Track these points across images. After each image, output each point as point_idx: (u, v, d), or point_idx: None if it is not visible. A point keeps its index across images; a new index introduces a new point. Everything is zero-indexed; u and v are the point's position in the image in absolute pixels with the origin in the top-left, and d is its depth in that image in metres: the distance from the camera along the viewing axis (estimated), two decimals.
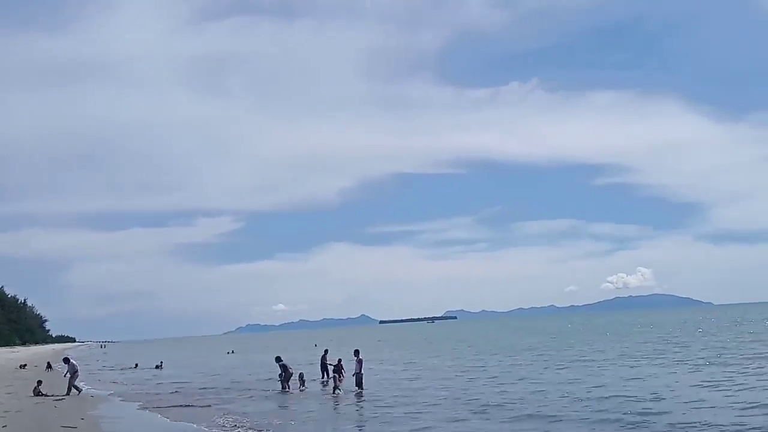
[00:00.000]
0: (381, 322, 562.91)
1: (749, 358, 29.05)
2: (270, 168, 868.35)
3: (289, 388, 26.03)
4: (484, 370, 31.49)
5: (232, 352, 78.55)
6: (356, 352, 25.17)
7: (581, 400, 19.00)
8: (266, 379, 30.64)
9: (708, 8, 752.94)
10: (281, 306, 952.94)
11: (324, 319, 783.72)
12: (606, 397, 19.22)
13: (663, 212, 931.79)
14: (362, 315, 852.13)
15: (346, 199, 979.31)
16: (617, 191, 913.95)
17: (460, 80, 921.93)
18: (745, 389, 19.57)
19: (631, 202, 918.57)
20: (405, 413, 18.44)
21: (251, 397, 24.96)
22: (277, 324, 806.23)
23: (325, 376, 27.61)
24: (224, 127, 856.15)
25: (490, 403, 19.42)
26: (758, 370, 24.55)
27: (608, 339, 55.24)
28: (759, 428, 13.37)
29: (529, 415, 16.87)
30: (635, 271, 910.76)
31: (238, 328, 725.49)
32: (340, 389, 24.45)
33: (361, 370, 24.63)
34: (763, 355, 30.06)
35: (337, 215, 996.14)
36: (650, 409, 16.66)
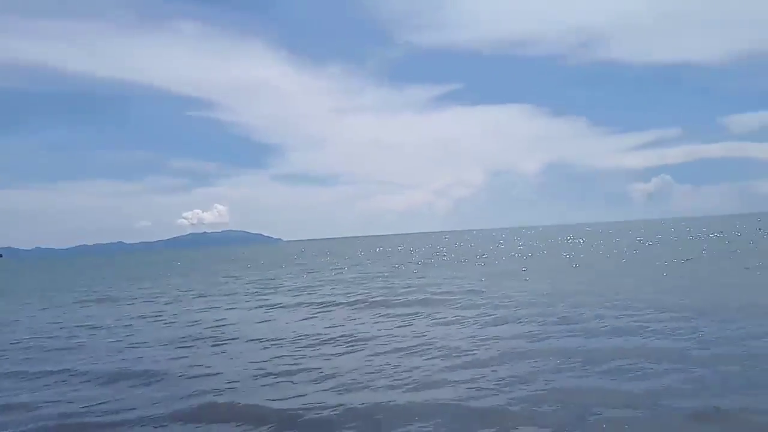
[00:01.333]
0: None
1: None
2: None
3: None
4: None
5: None
6: None
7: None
8: None
9: None
10: None
11: None
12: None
13: (243, 151, 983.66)
14: None
15: None
16: (200, 126, 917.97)
17: None
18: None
19: (212, 139, 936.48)
20: None
21: None
22: None
23: None
24: None
25: None
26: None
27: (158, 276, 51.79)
28: None
29: None
30: (212, 207, 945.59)
31: None
32: None
33: None
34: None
35: None
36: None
